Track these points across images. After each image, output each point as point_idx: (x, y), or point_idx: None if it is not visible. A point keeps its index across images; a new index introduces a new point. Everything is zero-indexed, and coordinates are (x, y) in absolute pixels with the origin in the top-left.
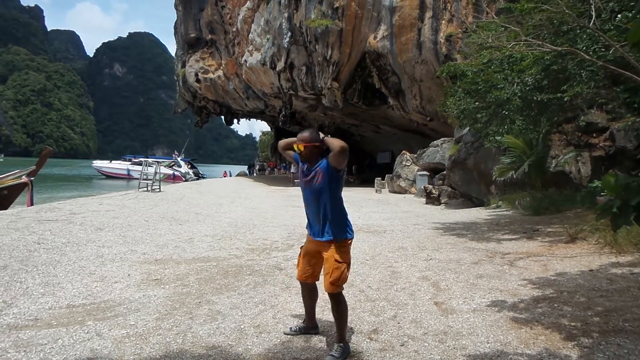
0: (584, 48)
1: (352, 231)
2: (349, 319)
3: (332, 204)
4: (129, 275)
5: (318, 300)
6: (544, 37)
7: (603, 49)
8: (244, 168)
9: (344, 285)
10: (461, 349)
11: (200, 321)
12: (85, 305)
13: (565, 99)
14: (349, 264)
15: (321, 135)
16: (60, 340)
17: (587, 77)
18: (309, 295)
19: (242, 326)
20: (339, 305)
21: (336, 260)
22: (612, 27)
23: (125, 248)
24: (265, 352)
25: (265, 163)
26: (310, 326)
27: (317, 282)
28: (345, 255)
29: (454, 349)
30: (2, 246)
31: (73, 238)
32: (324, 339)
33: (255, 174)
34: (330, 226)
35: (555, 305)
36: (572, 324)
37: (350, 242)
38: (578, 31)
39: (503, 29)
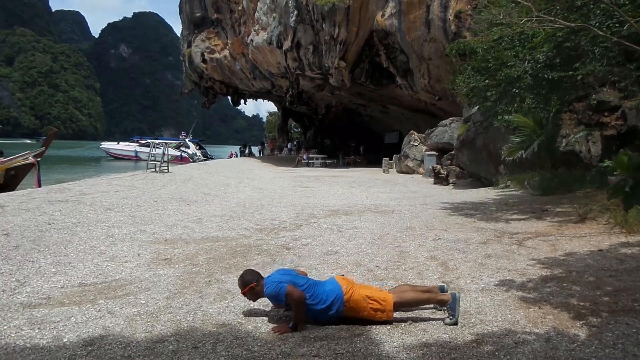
0: (598, 24)
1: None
2: None
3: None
4: (138, 254)
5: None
6: (556, 13)
7: (617, 25)
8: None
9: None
10: (469, 328)
11: (210, 300)
12: (97, 284)
13: (578, 77)
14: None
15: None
16: (72, 318)
17: (600, 54)
18: None
19: (251, 305)
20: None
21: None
22: (626, 2)
23: (134, 228)
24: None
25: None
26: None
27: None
28: None
29: (462, 328)
30: (14, 226)
31: (83, 218)
32: None
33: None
34: None
35: (564, 285)
36: (581, 303)
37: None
38: (592, 6)
39: (514, 4)
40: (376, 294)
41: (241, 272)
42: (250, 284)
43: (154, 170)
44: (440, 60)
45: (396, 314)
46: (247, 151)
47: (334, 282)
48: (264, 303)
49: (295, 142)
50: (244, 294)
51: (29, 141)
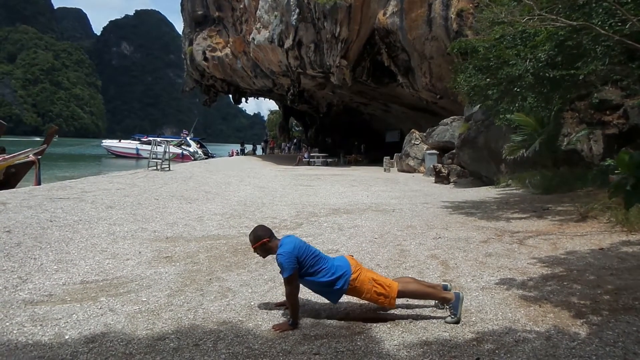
0: (600, 23)
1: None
2: None
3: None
4: (140, 252)
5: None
6: (558, 12)
7: (619, 23)
8: (248, 147)
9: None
10: (469, 326)
11: (210, 298)
12: (98, 281)
13: (580, 76)
14: None
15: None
16: (74, 315)
17: (602, 53)
18: None
19: (252, 303)
20: None
21: None
22: (629, 0)
23: (136, 226)
24: None
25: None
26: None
27: None
28: None
29: (462, 326)
30: (15, 224)
31: (85, 216)
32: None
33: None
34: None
35: (565, 283)
36: (582, 302)
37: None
38: (594, 5)
39: (516, 3)
40: (382, 279)
41: (253, 228)
42: (263, 239)
43: (155, 168)
44: (442, 58)
45: (397, 312)
46: (251, 149)
47: (343, 259)
48: (265, 300)
49: (294, 141)
50: (255, 249)
51: (37, 138)
